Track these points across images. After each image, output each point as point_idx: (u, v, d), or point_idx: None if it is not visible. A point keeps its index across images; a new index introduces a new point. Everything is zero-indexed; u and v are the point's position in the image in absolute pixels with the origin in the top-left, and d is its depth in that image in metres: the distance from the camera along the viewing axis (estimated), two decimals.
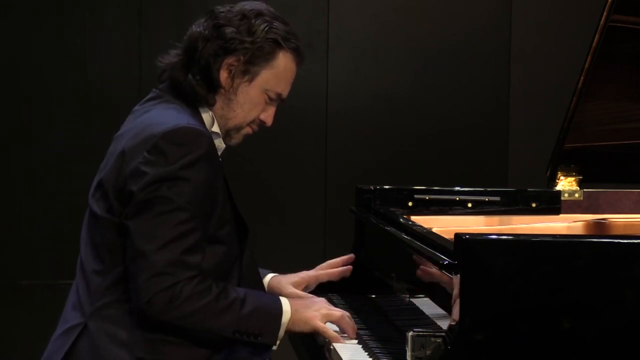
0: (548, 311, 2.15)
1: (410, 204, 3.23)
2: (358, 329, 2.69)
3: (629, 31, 3.09)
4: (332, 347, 2.56)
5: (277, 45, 2.59)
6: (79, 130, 5.02)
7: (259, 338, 2.48)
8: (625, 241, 2.21)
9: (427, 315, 2.56)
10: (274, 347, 2.54)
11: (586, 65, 3.08)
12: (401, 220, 2.90)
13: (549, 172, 3.31)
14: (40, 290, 5.06)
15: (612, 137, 3.30)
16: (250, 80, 2.58)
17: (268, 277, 2.85)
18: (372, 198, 3.23)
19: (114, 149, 2.53)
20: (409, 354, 2.21)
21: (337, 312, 2.59)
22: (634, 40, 3.12)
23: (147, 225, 2.39)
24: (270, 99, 2.62)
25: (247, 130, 2.65)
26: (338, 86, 5.29)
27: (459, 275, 2.17)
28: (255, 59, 2.56)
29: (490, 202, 3.27)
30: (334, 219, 5.21)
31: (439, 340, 2.20)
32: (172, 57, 2.61)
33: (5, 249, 5.09)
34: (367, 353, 2.50)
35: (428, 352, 2.20)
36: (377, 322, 2.75)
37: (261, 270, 2.82)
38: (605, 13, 3.00)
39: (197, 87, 2.55)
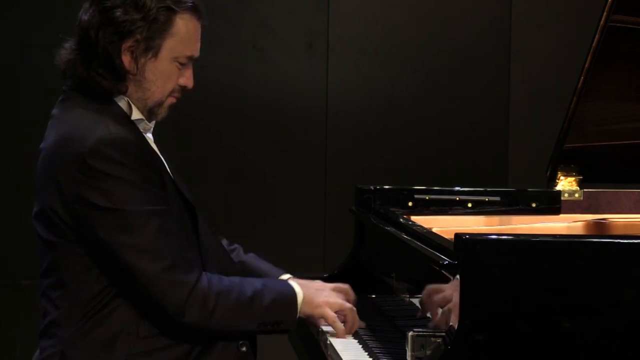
0: (548, 311, 2.15)
1: (410, 204, 3.23)
2: (358, 328, 2.68)
3: (629, 31, 3.09)
4: (329, 343, 2.56)
5: (171, 11, 2.43)
6: None
7: (281, 325, 2.49)
8: (625, 241, 2.21)
9: (427, 315, 2.56)
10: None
11: (586, 65, 3.07)
12: (401, 220, 2.90)
13: (549, 172, 3.31)
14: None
15: (612, 137, 3.29)
16: (155, 55, 2.44)
17: (285, 277, 2.81)
18: (372, 198, 3.22)
19: (45, 165, 2.45)
20: (409, 354, 2.21)
21: (347, 304, 2.60)
22: (634, 40, 3.11)
23: (131, 245, 2.35)
24: (182, 64, 2.49)
25: (171, 100, 2.53)
26: (338, 86, 5.29)
27: (458, 276, 2.17)
28: (153, 33, 2.42)
29: (490, 202, 3.27)
30: (334, 219, 5.21)
31: (439, 340, 2.20)
32: (68, 52, 2.49)
33: (5, 249, 5.09)
34: (367, 353, 2.50)
35: (428, 352, 2.20)
36: (377, 322, 2.75)
37: (274, 268, 2.82)
38: (605, 13, 3.00)
39: (102, 81, 2.43)
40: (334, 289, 2.65)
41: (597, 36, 3.03)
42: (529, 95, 5.37)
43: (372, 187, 3.24)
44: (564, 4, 5.35)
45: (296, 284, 2.56)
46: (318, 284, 2.66)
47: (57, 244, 2.43)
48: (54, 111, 2.54)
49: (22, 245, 5.08)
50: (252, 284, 2.49)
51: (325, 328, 2.70)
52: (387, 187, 3.26)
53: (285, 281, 2.60)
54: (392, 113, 5.30)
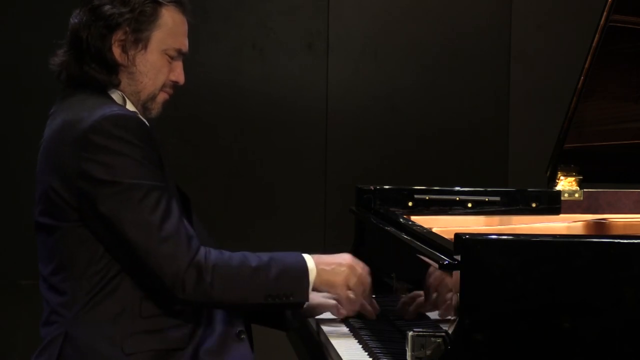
0: (548, 311, 2.15)
1: (410, 204, 3.23)
2: (358, 328, 2.69)
3: (629, 31, 3.09)
4: (329, 343, 2.56)
5: (156, 3, 2.55)
6: None
7: (291, 298, 2.49)
8: (625, 241, 2.21)
9: (427, 315, 2.56)
10: (306, 304, 2.55)
11: (586, 65, 3.08)
12: (401, 220, 2.90)
13: (549, 172, 3.31)
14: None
15: (612, 137, 3.30)
16: (145, 47, 2.55)
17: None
18: (372, 198, 3.23)
19: (46, 152, 2.51)
20: (409, 354, 2.21)
21: (361, 287, 2.63)
22: (634, 40, 3.12)
23: (129, 218, 2.40)
24: (172, 57, 2.59)
25: (163, 96, 2.62)
26: (338, 86, 5.29)
27: (458, 275, 2.17)
28: (140, 25, 2.53)
29: (490, 202, 3.27)
30: (334, 219, 5.21)
31: (439, 340, 2.20)
32: (61, 56, 2.59)
33: (5, 249, 5.09)
34: (367, 353, 2.50)
35: (428, 352, 2.20)
36: (377, 322, 2.75)
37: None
38: (605, 13, 3.00)
39: (96, 74, 2.53)
40: (350, 268, 2.64)
41: (597, 36, 3.03)
42: (529, 95, 5.36)
43: (372, 187, 3.24)
44: (564, 4, 5.35)
45: (310, 259, 2.55)
46: (335, 261, 2.64)
47: (58, 227, 2.47)
48: (53, 109, 2.60)
49: (22, 245, 5.08)
50: (257, 256, 2.49)
51: (325, 328, 2.70)
52: (387, 187, 3.26)
53: (298, 254, 2.58)
54: (392, 113, 5.30)
